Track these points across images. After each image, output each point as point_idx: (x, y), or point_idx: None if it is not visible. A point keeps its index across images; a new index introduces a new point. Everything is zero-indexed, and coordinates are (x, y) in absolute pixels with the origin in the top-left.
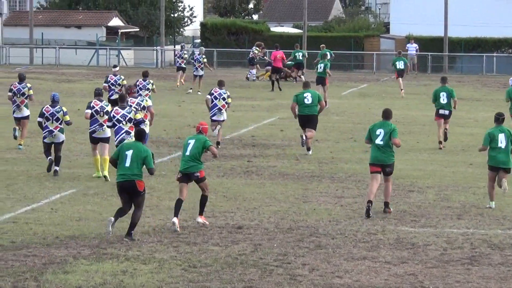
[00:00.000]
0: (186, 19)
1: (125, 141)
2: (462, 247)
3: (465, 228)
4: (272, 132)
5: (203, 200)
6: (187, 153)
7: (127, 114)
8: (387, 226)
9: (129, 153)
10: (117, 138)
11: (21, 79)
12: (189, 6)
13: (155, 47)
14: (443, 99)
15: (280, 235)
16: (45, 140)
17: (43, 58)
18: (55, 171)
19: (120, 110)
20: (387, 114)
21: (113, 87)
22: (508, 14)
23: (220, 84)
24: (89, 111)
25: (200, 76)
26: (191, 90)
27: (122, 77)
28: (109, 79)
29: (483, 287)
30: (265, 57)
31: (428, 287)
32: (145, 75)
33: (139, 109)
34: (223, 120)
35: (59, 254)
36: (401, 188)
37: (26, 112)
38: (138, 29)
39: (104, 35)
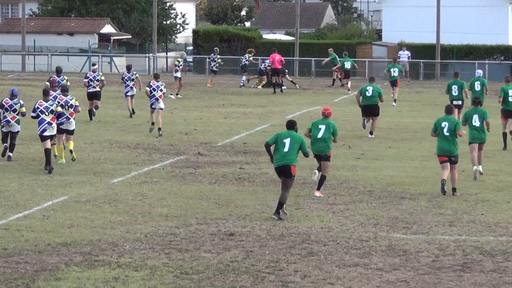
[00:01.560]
0: (178, 26)
1: (281, 131)
2: (454, 254)
3: (457, 235)
4: (264, 139)
5: (322, 179)
6: (319, 136)
7: (49, 106)
8: (379, 233)
9: (287, 141)
10: (40, 128)
11: (59, 72)
12: (181, 13)
13: (147, 54)
14: (455, 91)
15: (272, 242)
16: (3, 129)
17: (35, 65)
18: (9, 156)
19: (43, 102)
20: (450, 109)
21: (91, 83)
22: (500, 21)
23: (156, 77)
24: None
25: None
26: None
27: (101, 73)
28: (88, 75)
29: None
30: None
31: None
32: (58, 72)
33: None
34: (161, 108)
35: (51, 261)
36: (393, 195)
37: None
38: (130, 36)
39: (96, 42)
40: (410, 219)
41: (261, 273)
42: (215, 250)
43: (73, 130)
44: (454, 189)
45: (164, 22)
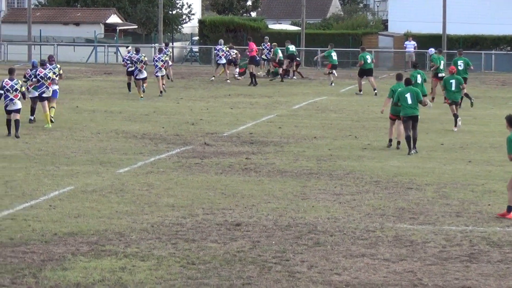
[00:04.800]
0: (184, 16)
1: (399, 89)
2: (461, 245)
3: (464, 225)
4: (270, 129)
5: (457, 117)
6: (453, 88)
7: (14, 85)
8: (385, 223)
9: (408, 95)
10: (5, 103)
11: (138, 51)
12: (187, 3)
13: (153, 44)
14: (460, 66)
15: (278, 232)
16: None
17: (41, 55)
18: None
19: (9, 81)
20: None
21: (132, 63)
22: (507, 11)
23: (160, 51)
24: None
25: (223, 64)
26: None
27: (143, 54)
28: (125, 56)
29: (482, 284)
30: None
31: (427, 284)
32: (137, 51)
33: (46, 78)
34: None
35: (57, 251)
36: (400, 185)
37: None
38: (136, 26)
39: (102, 32)
40: (417, 209)
41: (267, 263)
42: (222, 240)
43: (49, 97)
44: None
45: (170, 12)
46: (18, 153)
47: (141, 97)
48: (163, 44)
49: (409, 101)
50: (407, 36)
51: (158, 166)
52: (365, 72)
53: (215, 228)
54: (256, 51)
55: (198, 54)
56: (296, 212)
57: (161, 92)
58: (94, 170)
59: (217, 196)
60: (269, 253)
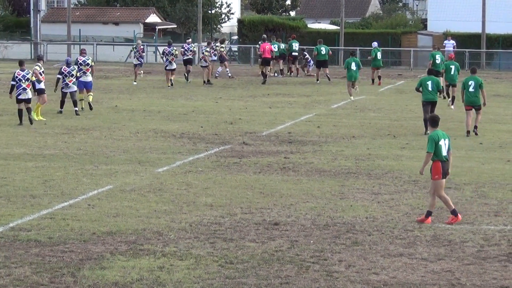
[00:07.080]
0: (223, 15)
1: (423, 77)
2: (499, 244)
3: (502, 225)
4: (309, 128)
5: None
6: (452, 72)
7: (26, 75)
8: (424, 223)
9: (429, 82)
10: (17, 92)
11: (170, 44)
12: (226, 2)
13: (192, 44)
14: (437, 60)
15: (316, 232)
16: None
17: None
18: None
19: (21, 72)
20: (474, 70)
21: (186, 52)
22: None
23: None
24: (38, 68)
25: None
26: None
27: (194, 44)
28: (184, 45)
29: None
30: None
31: (465, 284)
32: (169, 44)
33: (87, 63)
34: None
35: (96, 250)
36: None
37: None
38: (175, 26)
39: (141, 31)
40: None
41: (305, 263)
42: (260, 239)
43: (42, 89)
44: (475, 127)
45: (209, 12)
46: (57, 153)
47: (168, 85)
48: (217, 39)
49: (430, 88)
50: (447, 35)
51: (196, 166)
52: (320, 63)
53: (253, 228)
54: (271, 50)
55: (237, 53)
56: (334, 212)
57: (204, 81)
58: (132, 170)
59: (255, 196)
60: (307, 252)
